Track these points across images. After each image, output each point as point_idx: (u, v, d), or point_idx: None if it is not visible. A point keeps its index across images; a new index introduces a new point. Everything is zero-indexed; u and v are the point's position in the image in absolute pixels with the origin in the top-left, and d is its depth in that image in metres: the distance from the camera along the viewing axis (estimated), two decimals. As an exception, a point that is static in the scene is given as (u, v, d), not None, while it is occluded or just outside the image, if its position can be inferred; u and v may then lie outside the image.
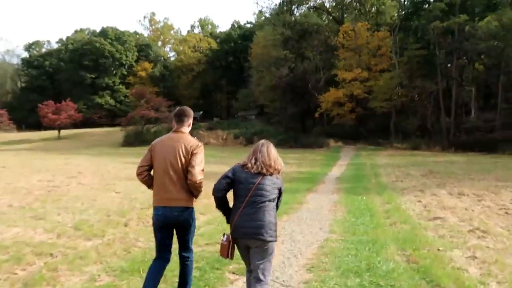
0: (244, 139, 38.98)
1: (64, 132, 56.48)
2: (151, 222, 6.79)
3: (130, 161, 21.63)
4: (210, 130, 45.19)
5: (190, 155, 3.32)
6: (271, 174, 3.12)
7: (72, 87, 70.88)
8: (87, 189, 10.35)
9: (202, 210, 7.40)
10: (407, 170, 16.48)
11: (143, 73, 74.17)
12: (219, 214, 3.58)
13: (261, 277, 3.03)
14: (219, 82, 71.54)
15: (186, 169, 3.30)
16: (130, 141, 42.94)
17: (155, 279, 3.36)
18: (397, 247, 5.21)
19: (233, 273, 4.26)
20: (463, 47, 32.98)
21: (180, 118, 3.49)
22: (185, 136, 3.42)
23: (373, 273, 4.17)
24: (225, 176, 3.15)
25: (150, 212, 7.74)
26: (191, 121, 3.57)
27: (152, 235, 5.71)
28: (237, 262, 4.54)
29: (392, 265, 4.39)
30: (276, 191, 3.15)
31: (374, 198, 9.57)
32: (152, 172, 3.48)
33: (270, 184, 3.10)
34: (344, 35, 40.40)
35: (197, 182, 3.29)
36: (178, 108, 3.66)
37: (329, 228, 6.35)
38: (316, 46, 43.81)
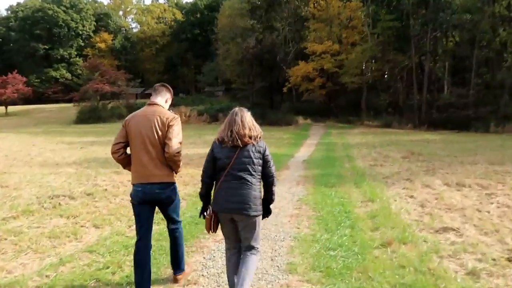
0: (209, 116, 36.19)
1: (13, 108, 51.85)
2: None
3: (68, 141, 18.74)
4: (173, 106, 41.91)
5: (166, 127, 3.13)
6: (250, 144, 2.86)
7: (23, 59, 65.43)
8: (-33, 182, 7.58)
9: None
10: (384, 151, 14.43)
11: (102, 45, 69.27)
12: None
13: (253, 244, 2.93)
14: (185, 55, 67.69)
15: (163, 143, 3.13)
16: (84, 118, 39.46)
17: (143, 267, 3.06)
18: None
19: None
20: (438, 19, 31.16)
21: (156, 91, 3.35)
22: (160, 109, 3.25)
23: None
24: (208, 160, 2.97)
25: (12, 226, 5.24)
26: (169, 97, 3.41)
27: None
28: None
29: None
30: (259, 161, 2.89)
31: (351, 191, 7.29)
32: (128, 150, 3.25)
33: (250, 156, 2.85)
34: (315, 4, 37.74)
35: (175, 154, 3.09)
36: None
37: (287, 260, 3.88)
38: (285, 17, 41.01)
